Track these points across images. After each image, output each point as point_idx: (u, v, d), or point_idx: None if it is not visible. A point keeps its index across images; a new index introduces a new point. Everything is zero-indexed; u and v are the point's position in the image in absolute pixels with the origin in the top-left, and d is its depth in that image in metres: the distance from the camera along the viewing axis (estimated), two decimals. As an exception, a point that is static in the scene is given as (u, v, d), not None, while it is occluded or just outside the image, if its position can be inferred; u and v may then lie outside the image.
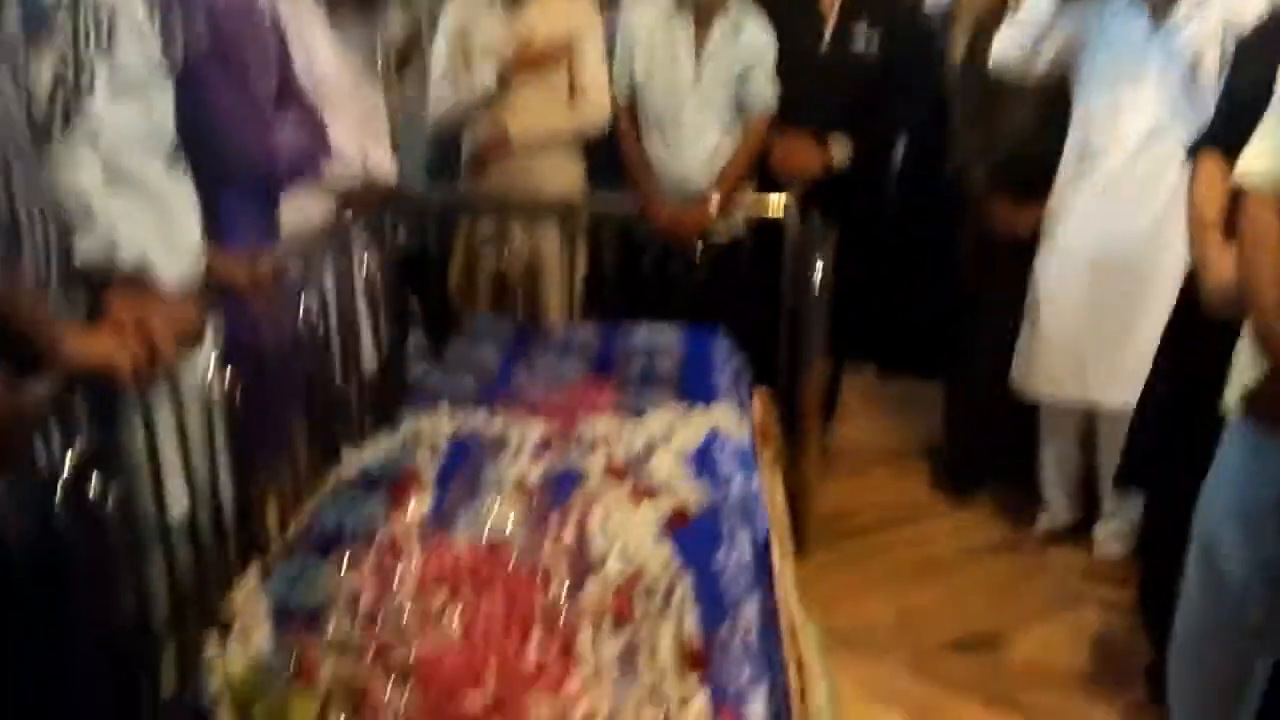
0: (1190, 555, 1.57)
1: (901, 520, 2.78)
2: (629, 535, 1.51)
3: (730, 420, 2.00)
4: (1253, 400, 1.41)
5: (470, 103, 2.68)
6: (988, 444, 2.85)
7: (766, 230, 2.76)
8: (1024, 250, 2.53)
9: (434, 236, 2.90)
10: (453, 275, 2.90)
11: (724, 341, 2.48)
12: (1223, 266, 1.62)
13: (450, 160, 2.88)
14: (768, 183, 2.77)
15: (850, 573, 2.50)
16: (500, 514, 1.59)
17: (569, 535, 1.52)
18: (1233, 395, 1.46)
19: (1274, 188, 1.38)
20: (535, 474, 1.72)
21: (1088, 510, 2.62)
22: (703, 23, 2.64)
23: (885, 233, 3.04)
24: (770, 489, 2.04)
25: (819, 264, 2.45)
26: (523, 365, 2.28)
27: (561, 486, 1.67)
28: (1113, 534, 2.52)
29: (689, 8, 2.63)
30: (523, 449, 1.82)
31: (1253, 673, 1.52)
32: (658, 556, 1.47)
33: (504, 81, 2.63)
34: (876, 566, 2.54)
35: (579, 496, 1.63)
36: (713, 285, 2.77)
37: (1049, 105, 2.48)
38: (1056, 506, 2.66)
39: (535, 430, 1.89)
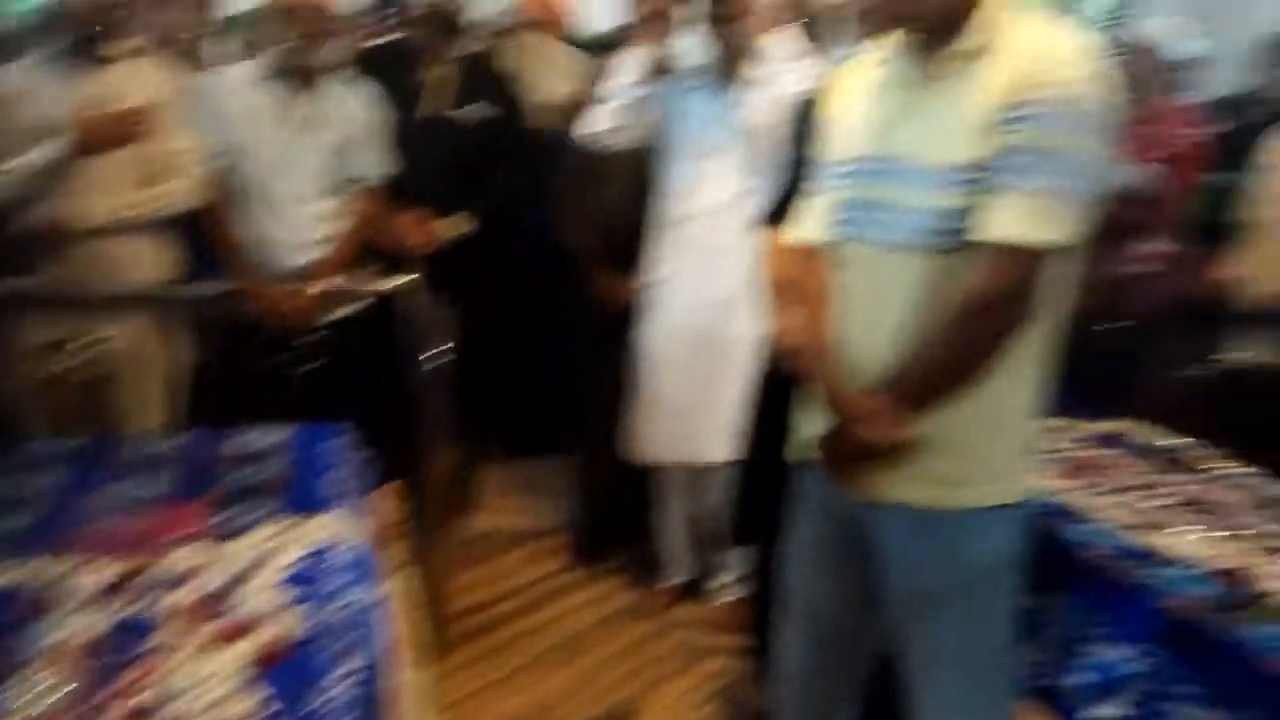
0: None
1: (541, 602, 2.77)
2: (210, 686, 1.34)
3: (344, 528, 1.86)
4: (821, 446, 1.50)
5: (32, 181, 2.30)
6: (615, 512, 2.94)
7: (384, 311, 2.66)
8: (631, 319, 2.65)
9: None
10: (4, 394, 2.45)
11: (340, 439, 2.33)
12: (788, 323, 1.77)
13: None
14: (384, 259, 2.67)
15: (490, 668, 2.44)
16: (50, 686, 1.34)
17: (136, 699, 1.31)
18: (795, 443, 1.57)
19: (814, 245, 1.52)
20: (96, 629, 1.47)
21: (706, 564, 2.77)
22: (299, 89, 2.47)
23: (511, 309, 3.05)
24: (401, 594, 1.94)
25: (439, 345, 2.40)
26: (92, 492, 1.97)
27: (128, 640, 1.44)
28: (726, 584, 2.69)
29: (283, 72, 2.47)
30: (83, 598, 1.55)
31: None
32: (244, 705, 1.31)
33: (72, 155, 2.28)
34: (516, 656, 2.50)
35: (150, 649, 1.42)
36: (327, 375, 2.61)
37: (642, 176, 2.63)
38: (676, 565, 2.79)
39: (102, 572, 1.63)
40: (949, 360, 1.33)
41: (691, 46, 2.50)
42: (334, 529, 1.85)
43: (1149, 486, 2.00)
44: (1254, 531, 1.79)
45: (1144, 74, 3.30)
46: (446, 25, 2.69)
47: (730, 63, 2.42)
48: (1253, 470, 2.06)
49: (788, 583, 1.66)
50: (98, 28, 2.32)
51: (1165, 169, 2.92)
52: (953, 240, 1.30)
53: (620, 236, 2.70)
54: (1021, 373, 1.36)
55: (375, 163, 2.59)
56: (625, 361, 2.67)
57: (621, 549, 2.98)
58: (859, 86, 1.46)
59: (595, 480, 2.94)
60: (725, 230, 2.44)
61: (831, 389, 1.45)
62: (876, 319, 1.40)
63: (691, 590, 2.78)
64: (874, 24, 1.37)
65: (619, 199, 2.74)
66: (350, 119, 2.54)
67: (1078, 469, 2.09)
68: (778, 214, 1.92)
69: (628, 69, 2.46)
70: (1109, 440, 2.26)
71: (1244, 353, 2.53)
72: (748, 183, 2.40)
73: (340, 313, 2.64)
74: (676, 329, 2.56)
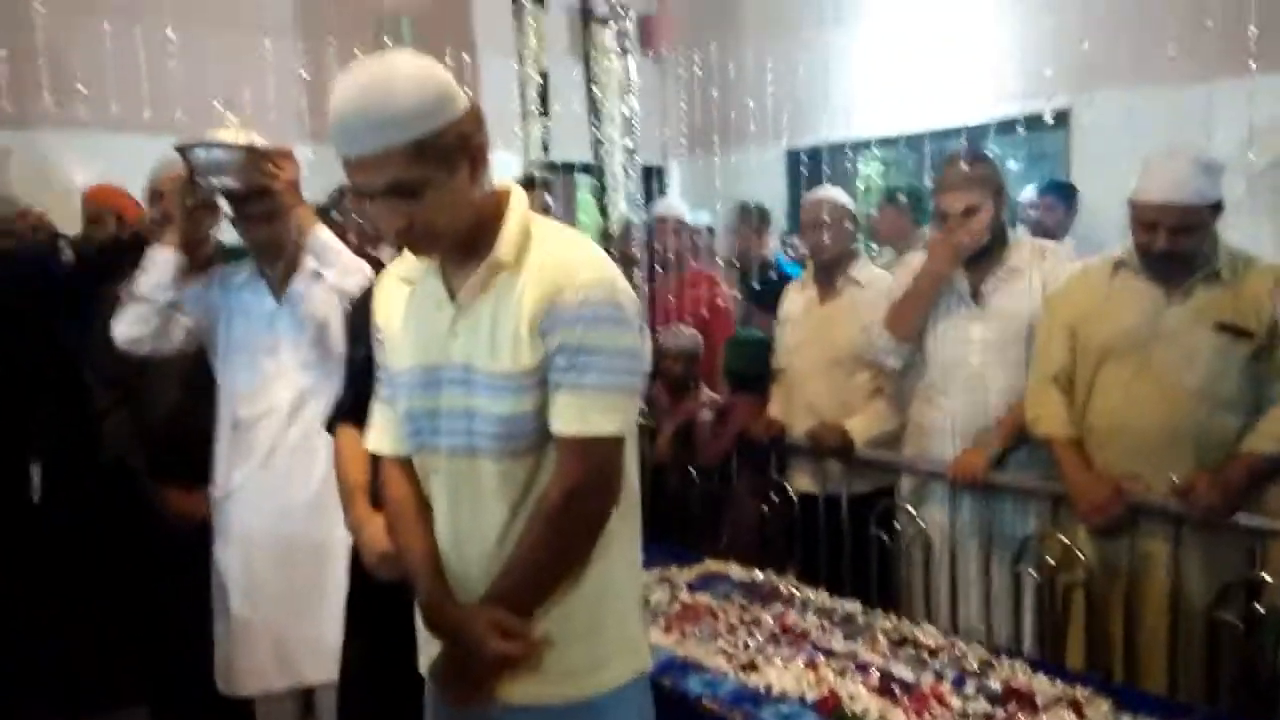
0: None
1: None
2: None
3: None
4: (435, 671, 1.41)
5: None
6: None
7: None
8: (205, 537, 2.35)
9: None
10: None
11: None
12: (373, 531, 1.66)
13: None
14: None
15: None
16: None
17: None
18: (424, 662, 1.46)
19: (395, 455, 1.46)
20: None
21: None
22: None
23: (37, 553, 2.54)
24: None
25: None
26: None
27: None
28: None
29: None
30: None
31: None
32: None
33: None
34: None
35: None
36: None
37: (196, 379, 2.39)
38: (292, 809, 2.43)
39: None
40: (547, 559, 1.34)
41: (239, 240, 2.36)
42: None
43: (745, 624, 2.15)
44: (835, 652, 1.98)
45: (672, 245, 3.77)
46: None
47: (278, 258, 2.31)
48: (820, 593, 2.31)
49: None
50: None
51: (702, 327, 3.32)
52: (525, 442, 1.33)
53: (181, 444, 2.41)
54: (619, 550, 1.40)
55: None
56: (204, 584, 2.35)
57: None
58: (403, 297, 1.45)
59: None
60: (294, 431, 2.29)
61: (435, 608, 1.39)
62: (469, 527, 1.37)
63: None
64: (403, 244, 1.37)
65: (173, 406, 2.47)
66: None
67: (681, 618, 2.19)
68: (347, 413, 1.83)
69: (155, 268, 2.24)
70: (703, 584, 2.41)
71: (794, 484, 2.87)
72: (310, 380, 2.28)
73: None
74: (258, 541, 2.30)
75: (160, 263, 2.23)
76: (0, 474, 2.34)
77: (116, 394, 2.56)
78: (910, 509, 2.57)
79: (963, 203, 2.43)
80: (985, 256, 2.48)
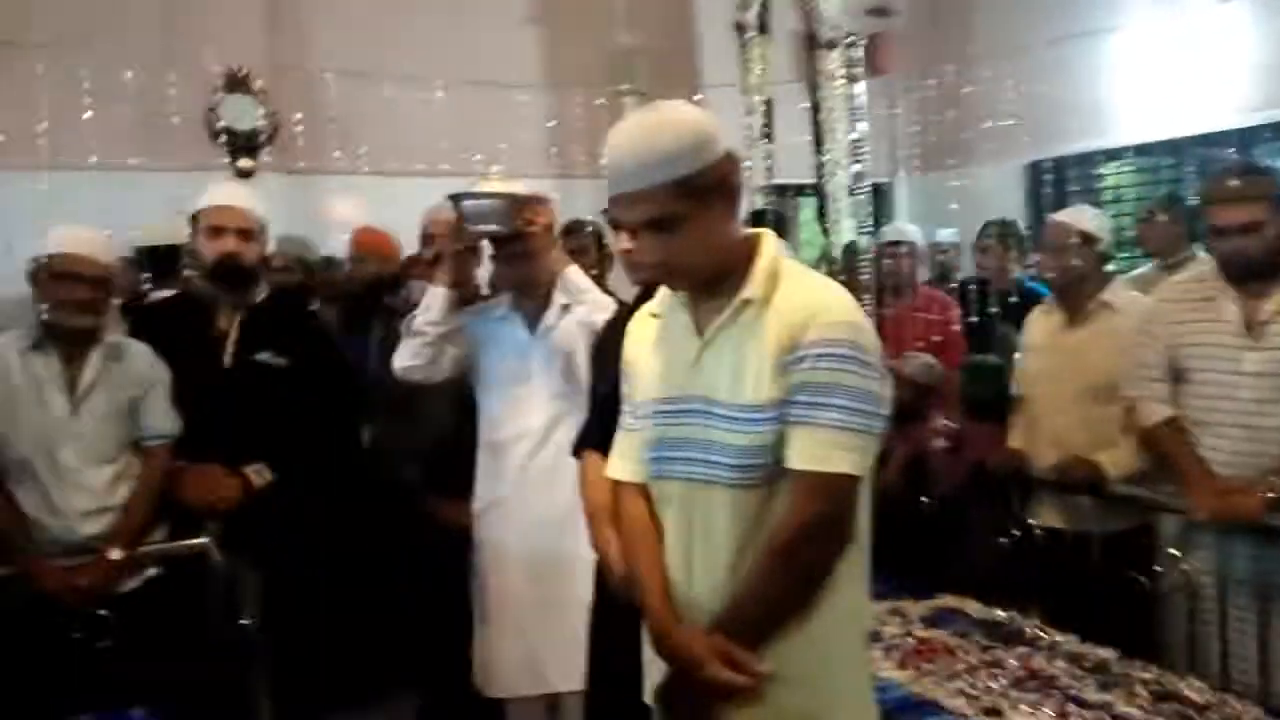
0: None
1: None
2: None
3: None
4: (660, 696, 1.46)
5: None
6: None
7: (186, 575, 2.43)
8: (469, 546, 2.56)
9: None
10: None
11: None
12: (616, 554, 1.74)
13: None
14: (184, 519, 2.47)
15: None
16: None
17: None
18: (649, 687, 1.50)
19: (636, 481, 1.52)
20: None
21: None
22: (73, 357, 2.38)
23: (327, 561, 2.87)
24: None
25: (246, 610, 2.21)
26: None
27: None
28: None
29: (52, 341, 2.37)
30: None
31: None
32: None
33: None
34: None
35: None
36: (130, 649, 2.31)
37: (463, 401, 2.61)
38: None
39: None
40: (775, 593, 1.36)
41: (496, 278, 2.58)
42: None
43: (986, 665, 2.07)
44: (1088, 702, 1.87)
45: (906, 268, 3.70)
46: (238, 275, 2.60)
47: (533, 294, 2.48)
48: (1069, 637, 2.19)
49: None
50: None
51: (933, 353, 3.24)
52: (760, 475, 1.36)
53: (449, 459, 2.64)
54: (846, 594, 1.40)
55: (164, 420, 2.48)
56: (467, 590, 2.56)
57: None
58: (652, 331, 1.53)
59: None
60: (544, 454, 2.44)
61: (663, 632, 1.43)
62: (700, 556, 1.42)
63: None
64: (659, 277, 1.45)
65: (444, 422, 2.71)
66: (132, 379, 2.44)
67: (917, 654, 2.15)
68: (592, 440, 1.95)
69: (431, 304, 2.48)
70: (939, 619, 2.35)
71: (1038, 519, 2.73)
72: (560, 407, 2.42)
73: (135, 582, 2.40)
74: (512, 553, 2.48)
75: (435, 299, 2.47)
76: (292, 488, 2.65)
77: (391, 411, 2.85)
78: (1174, 552, 2.39)
79: (1242, 217, 2.23)
80: (1260, 280, 2.27)
